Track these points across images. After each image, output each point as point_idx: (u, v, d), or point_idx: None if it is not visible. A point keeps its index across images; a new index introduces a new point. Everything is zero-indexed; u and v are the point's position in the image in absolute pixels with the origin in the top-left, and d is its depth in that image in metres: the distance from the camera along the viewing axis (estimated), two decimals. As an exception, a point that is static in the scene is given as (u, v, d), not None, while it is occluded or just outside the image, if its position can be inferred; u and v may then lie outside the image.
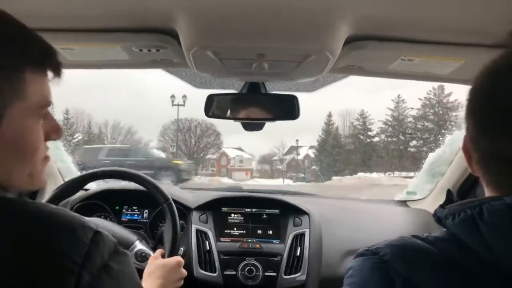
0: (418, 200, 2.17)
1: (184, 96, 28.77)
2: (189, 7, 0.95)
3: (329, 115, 38.57)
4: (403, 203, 2.23)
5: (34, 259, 0.55)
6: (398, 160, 32.90)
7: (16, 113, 0.61)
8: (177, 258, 1.32)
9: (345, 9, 0.95)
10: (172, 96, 29.14)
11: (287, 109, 1.44)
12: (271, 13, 0.95)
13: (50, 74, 0.67)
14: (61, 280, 0.55)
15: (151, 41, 1.11)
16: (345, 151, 36.56)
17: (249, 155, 40.28)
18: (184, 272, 1.32)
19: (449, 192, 0.67)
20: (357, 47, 1.12)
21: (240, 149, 40.49)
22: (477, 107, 0.63)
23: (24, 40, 0.64)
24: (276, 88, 1.54)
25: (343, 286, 0.65)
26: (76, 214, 0.63)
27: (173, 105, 29.94)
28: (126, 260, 0.65)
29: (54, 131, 0.70)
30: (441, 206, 0.65)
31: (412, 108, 34.71)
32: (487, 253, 0.54)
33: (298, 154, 38.87)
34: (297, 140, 38.63)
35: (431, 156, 2.08)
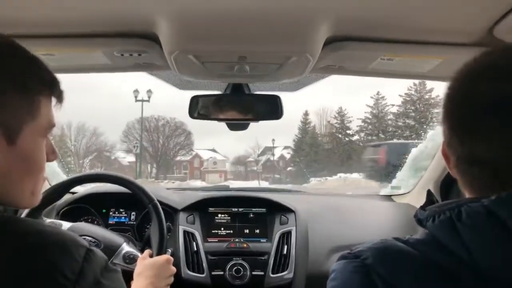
0: (402, 194, 2.20)
1: (149, 91, 26.30)
2: (169, 11, 0.96)
3: (306, 114, 36.94)
4: (388, 197, 2.26)
5: (29, 276, 0.56)
6: None
7: (30, 132, 0.67)
8: (166, 256, 1.34)
9: (324, 10, 0.96)
10: (136, 91, 26.41)
11: (270, 109, 1.45)
12: (251, 17, 0.96)
13: (54, 99, 0.73)
14: None
15: (132, 45, 1.11)
16: (323, 151, 35.08)
17: (223, 157, 39.21)
18: (174, 269, 1.34)
19: (429, 192, 0.68)
20: (337, 48, 1.14)
21: (213, 150, 39.35)
22: (450, 111, 0.64)
23: (40, 66, 0.70)
24: (259, 89, 1.55)
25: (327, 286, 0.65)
26: (67, 232, 0.65)
27: (136, 100, 26.94)
28: (117, 277, 0.66)
29: (51, 152, 0.75)
30: (422, 207, 0.65)
31: (393, 105, 33.50)
32: (466, 254, 0.55)
33: (273, 154, 37.80)
34: (273, 140, 37.20)
35: (414, 151, 2.12)
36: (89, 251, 0.62)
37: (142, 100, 27.28)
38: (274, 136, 38.19)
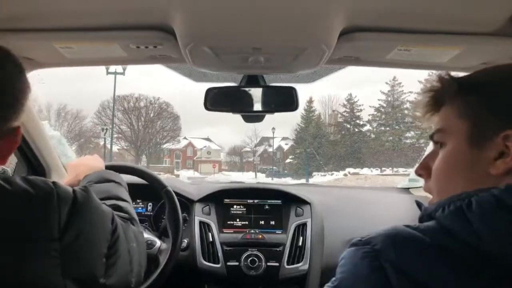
0: (420, 187, 2.17)
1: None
2: (185, 4, 0.96)
3: (310, 101, 33.98)
4: (406, 190, 2.24)
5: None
6: (395, 153, 29.10)
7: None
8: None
9: (339, 1, 0.95)
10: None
11: (286, 100, 1.45)
12: (266, 8, 0.96)
13: None
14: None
15: (148, 38, 1.12)
16: (328, 142, 32.21)
17: (218, 146, 37.91)
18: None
19: (418, 203, 0.72)
20: (352, 39, 1.12)
21: (208, 139, 38.10)
22: None
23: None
24: (275, 80, 1.55)
25: (336, 273, 0.66)
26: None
27: (108, 73, 22.11)
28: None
29: None
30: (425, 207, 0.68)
31: (411, 92, 30.71)
32: (476, 242, 0.55)
33: (270, 145, 35.95)
34: (273, 129, 34.08)
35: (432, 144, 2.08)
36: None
37: (115, 73, 22.65)
38: (272, 126, 35.56)
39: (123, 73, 22.27)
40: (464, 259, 0.56)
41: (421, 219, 0.67)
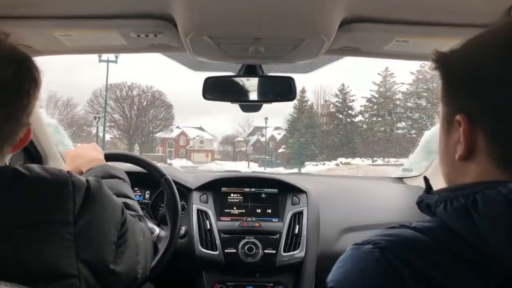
0: (414, 177, 2.20)
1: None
2: None
3: (303, 91, 32.65)
4: (400, 180, 2.26)
5: None
6: (389, 143, 28.76)
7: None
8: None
9: None
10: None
11: (284, 90, 1.46)
12: None
13: None
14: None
15: (148, 26, 1.12)
16: (321, 133, 31.71)
17: (210, 136, 37.66)
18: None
19: (425, 178, 0.66)
20: (351, 30, 1.13)
21: (201, 129, 37.80)
22: None
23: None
24: (273, 70, 1.56)
25: (328, 280, 0.61)
26: None
27: (100, 61, 22.19)
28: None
29: None
30: (426, 192, 0.63)
31: (403, 84, 30.15)
32: (483, 245, 0.52)
33: (262, 135, 35.72)
34: (266, 119, 33.39)
35: (427, 133, 2.12)
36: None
37: (108, 61, 22.56)
38: (265, 116, 34.54)
39: (115, 61, 22.40)
40: (469, 260, 0.52)
41: (419, 204, 0.64)
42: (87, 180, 0.82)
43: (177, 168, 2.38)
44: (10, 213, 0.72)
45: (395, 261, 0.54)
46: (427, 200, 0.61)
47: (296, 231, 1.66)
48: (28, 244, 0.71)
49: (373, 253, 0.57)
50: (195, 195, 1.77)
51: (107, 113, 26.80)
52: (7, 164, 0.81)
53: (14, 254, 0.70)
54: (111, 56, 21.69)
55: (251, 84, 1.49)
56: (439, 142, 0.67)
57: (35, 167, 0.77)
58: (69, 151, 1.36)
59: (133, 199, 1.16)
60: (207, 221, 1.68)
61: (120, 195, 1.10)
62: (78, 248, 0.75)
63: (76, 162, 1.28)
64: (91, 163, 1.24)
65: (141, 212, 1.11)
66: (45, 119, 1.85)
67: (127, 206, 1.05)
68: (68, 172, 0.80)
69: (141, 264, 0.95)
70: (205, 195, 1.78)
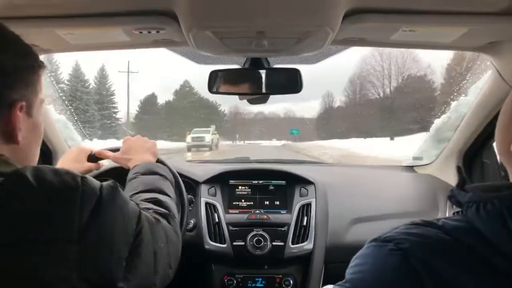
0: (425, 165, 2.18)
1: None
2: None
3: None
4: (410, 168, 2.25)
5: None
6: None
7: (36, 105, 0.81)
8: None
9: None
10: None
11: (290, 82, 1.45)
12: None
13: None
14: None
15: (150, 23, 1.12)
16: None
17: None
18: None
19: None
20: (356, 20, 1.11)
21: None
22: None
23: (28, 44, 0.79)
24: (278, 62, 1.54)
25: (347, 276, 0.61)
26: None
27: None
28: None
29: None
30: (459, 187, 0.60)
31: None
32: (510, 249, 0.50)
33: None
34: None
35: (437, 122, 2.08)
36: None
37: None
38: None
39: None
40: (497, 266, 0.51)
41: (449, 199, 0.62)
42: (100, 187, 0.74)
43: (184, 161, 2.38)
44: (3, 230, 0.63)
45: (418, 265, 0.53)
46: (459, 197, 0.59)
47: (305, 223, 1.66)
48: (21, 265, 0.63)
49: (395, 255, 0.55)
50: (203, 188, 1.78)
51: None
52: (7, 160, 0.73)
53: (7, 275, 0.62)
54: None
55: (256, 76, 1.47)
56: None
57: (47, 171, 0.69)
58: (129, 139, 1.37)
59: (169, 196, 1.11)
60: (216, 214, 1.69)
61: (154, 190, 1.07)
62: (81, 268, 0.67)
63: (129, 154, 1.31)
64: (140, 161, 1.24)
65: (173, 210, 1.04)
66: (53, 115, 1.87)
67: (158, 202, 1.01)
68: (82, 178, 0.71)
69: (160, 273, 0.86)
70: (213, 188, 1.79)
